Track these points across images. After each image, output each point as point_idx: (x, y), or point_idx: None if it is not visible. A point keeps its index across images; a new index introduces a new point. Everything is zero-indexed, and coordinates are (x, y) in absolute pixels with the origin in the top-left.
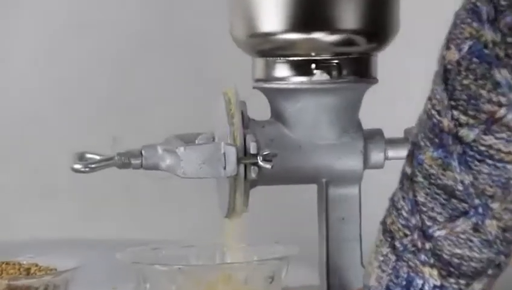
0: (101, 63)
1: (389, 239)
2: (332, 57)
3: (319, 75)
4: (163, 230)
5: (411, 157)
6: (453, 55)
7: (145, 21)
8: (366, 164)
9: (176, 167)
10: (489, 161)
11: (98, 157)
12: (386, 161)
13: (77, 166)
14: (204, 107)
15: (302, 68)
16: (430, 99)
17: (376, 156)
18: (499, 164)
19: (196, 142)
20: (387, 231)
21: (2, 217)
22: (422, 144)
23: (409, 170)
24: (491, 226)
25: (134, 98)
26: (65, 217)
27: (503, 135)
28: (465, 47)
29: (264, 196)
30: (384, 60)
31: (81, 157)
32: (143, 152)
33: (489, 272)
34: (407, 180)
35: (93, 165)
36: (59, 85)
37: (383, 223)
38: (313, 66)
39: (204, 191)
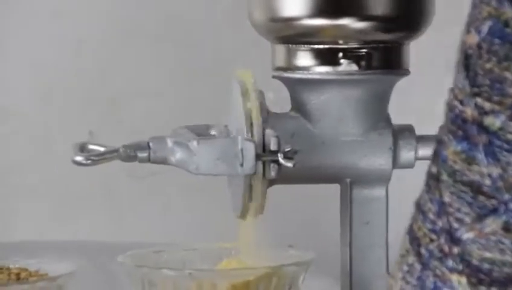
0: (80, 54)
1: (416, 247)
2: (361, 46)
3: (346, 65)
4: (147, 232)
5: (436, 155)
6: (473, 38)
7: (126, 11)
8: (395, 163)
9: (188, 162)
10: None
11: (101, 149)
12: (417, 160)
13: (78, 158)
14: (188, 100)
15: (327, 57)
16: (452, 90)
17: (406, 154)
18: None
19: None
20: (414, 238)
21: None
22: (445, 138)
23: (434, 169)
24: None
25: (115, 90)
26: (46, 217)
27: None
28: (485, 28)
29: (276, 194)
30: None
31: (82, 149)
32: (151, 144)
33: None
34: (433, 181)
35: (95, 158)
36: (36, 75)
37: (410, 231)
38: (340, 55)
39: (190, 191)
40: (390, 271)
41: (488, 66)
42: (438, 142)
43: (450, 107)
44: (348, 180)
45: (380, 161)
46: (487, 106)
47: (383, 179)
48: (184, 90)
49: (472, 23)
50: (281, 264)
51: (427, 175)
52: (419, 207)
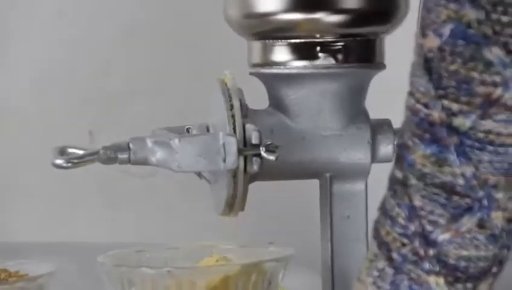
0: (80, 53)
1: (386, 252)
2: (337, 39)
3: (323, 59)
4: (141, 232)
5: (400, 160)
6: (433, 41)
7: (125, 11)
8: (374, 157)
9: (170, 160)
10: (490, 147)
11: (81, 152)
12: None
13: (58, 161)
14: (186, 100)
15: (304, 51)
16: (411, 94)
17: (384, 148)
18: (500, 149)
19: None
20: (382, 243)
21: None
22: (410, 143)
23: (399, 174)
24: (497, 218)
25: (114, 90)
26: (41, 218)
27: (503, 117)
28: (446, 31)
29: (256, 191)
30: (391, 45)
31: (62, 152)
32: (131, 145)
33: (494, 270)
34: (399, 186)
35: (75, 161)
36: (34, 74)
37: (377, 236)
38: (318, 48)
39: (187, 191)
40: (357, 275)
41: (452, 67)
42: (401, 146)
43: (413, 111)
44: (328, 174)
45: (359, 155)
46: (455, 107)
47: (363, 173)
48: (182, 90)
49: (428, 26)
50: (260, 260)
51: (390, 180)
52: (385, 212)
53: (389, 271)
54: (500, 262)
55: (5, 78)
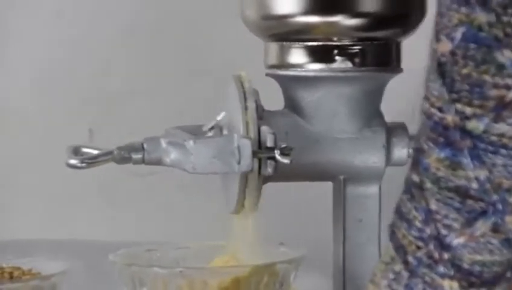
0: (80, 53)
1: (402, 255)
2: (354, 43)
3: (340, 62)
4: (141, 231)
5: (416, 164)
6: (445, 46)
7: (126, 11)
8: (389, 161)
9: (184, 161)
10: (504, 151)
11: (95, 152)
12: (409, 158)
13: (73, 161)
14: (189, 99)
15: (321, 54)
16: (427, 98)
17: (399, 152)
18: None
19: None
20: (399, 246)
21: None
22: (425, 147)
23: (416, 179)
24: (511, 222)
25: (114, 90)
26: (42, 216)
27: None
28: (458, 35)
29: (269, 192)
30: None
31: (76, 152)
32: (145, 146)
33: (508, 275)
34: (416, 189)
35: (89, 161)
36: (35, 74)
37: (393, 238)
38: (335, 52)
39: (190, 189)
40: (371, 278)
41: (465, 71)
42: (417, 150)
43: (428, 115)
44: (342, 177)
45: (374, 158)
46: (468, 110)
47: (377, 176)
48: (183, 89)
49: (441, 31)
50: (272, 261)
51: (407, 183)
52: (401, 215)
53: (405, 274)
54: None
55: (5, 78)
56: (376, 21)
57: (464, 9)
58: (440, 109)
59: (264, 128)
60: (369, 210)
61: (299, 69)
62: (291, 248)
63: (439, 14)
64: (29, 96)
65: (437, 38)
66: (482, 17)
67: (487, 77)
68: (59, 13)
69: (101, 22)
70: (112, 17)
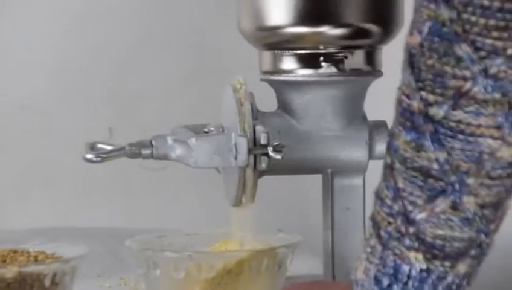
0: (100, 54)
1: (377, 230)
2: (339, 50)
3: (326, 68)
4: (158, 219)
5: (389, 146)
6: (416, 38)
7: (145, 13)
8: (371, 155)
9: (187, 157)
10: (461, 136)
11: (109, 148)
12: None
13: (89, 156)
14: (201, 99)
15: (309, 61)
16: (399, 87)
17: (381, 147)
18: (470, 138)
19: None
20: (375, 222)
21: (2, 206)
22: (396, 130)
23: (388, 160)
24: (469, 203)
25: (133, 89)
26: (64, 206)
27: (472, 108)
28: (425, 29)
29: (266, 185)
30: (388, 54)
31: (92, 147)
32: (153, 142)
33: (472, 252)
34: (388, 170)
35: (104, 155)
36: (58, 75)
37: (372, 217)
38: (322, 59)
39: (200, 181)
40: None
41: (429, 62)
42: (390, 134)
43: (399, 102)
44: (329, 170)
45: (358, 153)
46: (431, 98)
47: (361, 169)
48: (196, 90)
49: (414, 25)
50: (272, 246)
51: (383, 165)
52: (377, 195)
53: (379, 247)
54: (479, 246)
55: (29, 79)
56: (358, 31)
57: (432, 6)
58: (408, 96)
59: (259, 128)
60: (355, 199)
61: (290, 75)
62: (288, 234)
63: (415, 10)
64: (53, 97)
65: (410, 32)
66: (445, 13)
67: (448, 68)
68: (84, 16)
69: (120, 28)
70: (129, 25)
